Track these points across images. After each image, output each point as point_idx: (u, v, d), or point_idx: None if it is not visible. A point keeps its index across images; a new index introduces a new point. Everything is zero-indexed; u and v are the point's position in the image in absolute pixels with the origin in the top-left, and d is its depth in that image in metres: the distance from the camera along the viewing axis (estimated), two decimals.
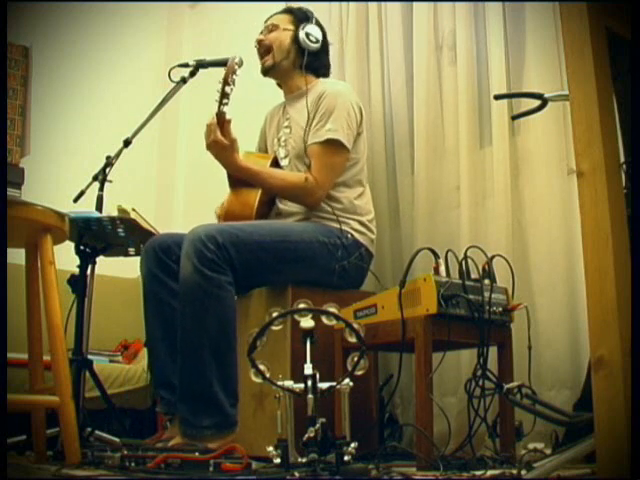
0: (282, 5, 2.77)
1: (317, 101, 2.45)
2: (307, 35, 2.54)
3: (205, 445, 1.97)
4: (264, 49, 2.57)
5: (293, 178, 2.41)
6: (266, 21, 2.64)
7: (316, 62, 2.58)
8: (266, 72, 2.60)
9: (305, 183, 2.35)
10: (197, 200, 3.84)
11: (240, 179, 2.48)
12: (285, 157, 2.54)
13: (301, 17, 2.59)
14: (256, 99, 2.94)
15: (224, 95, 2.23)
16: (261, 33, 2.60)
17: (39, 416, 1.92)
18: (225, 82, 2.23)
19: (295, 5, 2.68)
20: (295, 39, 2.54)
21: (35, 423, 1.91)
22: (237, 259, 2.16)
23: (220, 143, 2.26)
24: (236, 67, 2.24)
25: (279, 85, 2.68)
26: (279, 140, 2.60)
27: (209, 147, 2.30)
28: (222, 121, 2.26)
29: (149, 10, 4.30)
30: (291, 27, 2.57)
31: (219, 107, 2.24)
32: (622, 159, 1.16)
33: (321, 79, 2.60)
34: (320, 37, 2.58)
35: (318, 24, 2.61)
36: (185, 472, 1.61)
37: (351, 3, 3.05)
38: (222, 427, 2.05)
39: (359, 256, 2.40)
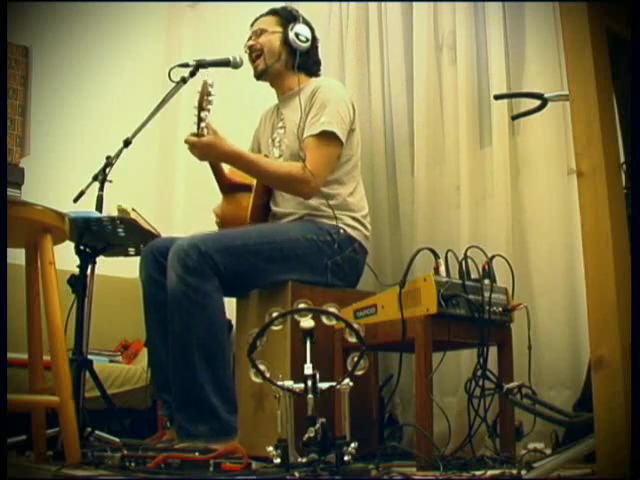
0: (280, 5, 2.76)
1: (311, 97, 2.45)
2: (297, 35, 2.53)
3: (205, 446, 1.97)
4: (255, 54, 2.57)
5: (289, 166, 2.39)
6: (252, 25, 2.63)
7: (308, 61, 2.59)
8: (259, 76, 2.59)
9: (301, 171, 2.33)
10: (197, 200, 3.84)
11: (232, 185, 2.49)
12: (279, 157, 2.54)
13: (287, 17, 2.58)
14: (251, 101, 2.95)
15: (200, 119, 2.21)
16: (250, 39, 2.60)
17: (39, 416, 1.92)
18: (200, 107, 2.21)
19: (279, 5, 2.66)
20: (285, 40, 2.54)
21: (35, 423, 1.91)
22: (222, 264, 2.16)
23: (204, 143, 2.23)
24: (210, 89, 2.21)
25: (272, 86, 2.67)
26: (273, 141, 2.60)
27: (202, 155, 2.29)
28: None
29: (149, 10, 4.30)
30: (279, 29, 2.56)
31: (197, 130, 2.22)
32: (622, 159, 1.16)
33: (313, 78, 2.60)
34: (309, 35, 2.57)
35: (305, 21, 2.60)
36: (185, 472, 1.61)
37: (351, 3, 3.05)
38: (218, 433, 2.04)
39: (352, 251, 2.38)
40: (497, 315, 1.95)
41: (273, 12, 2.62)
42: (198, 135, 2.22)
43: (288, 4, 2.67)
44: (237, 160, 2.34)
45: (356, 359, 1.57)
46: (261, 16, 2.63)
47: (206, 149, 2.25)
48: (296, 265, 2.30)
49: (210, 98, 2.21)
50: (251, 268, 2.25)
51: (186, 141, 2.25)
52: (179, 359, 2.10)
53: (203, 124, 2.21)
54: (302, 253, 2.31)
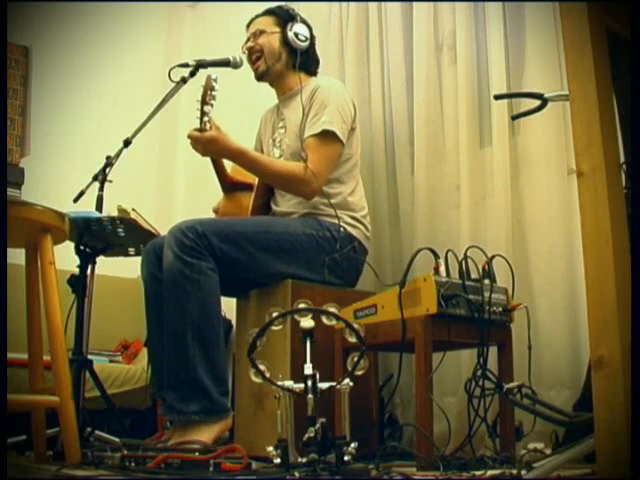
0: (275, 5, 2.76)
1: (311, 97, 2.45)
2: (296, 35, 2.53)
3: (197, 437, 1.97)
4: (255, 56, 2.56)
5: (291, 166, 2.39)
6: (248, 25, 2.63)
7: (308, 60, 2.59)
8: (260, 77, 2.59)
9: (303, 171, 2.33)
10: (197, 200, 3.84)
11: (233, 183, 2.49)
12: (280, 157, 2.54)
13: (285, 16, 2.57)
14: (251, 101, 2.95)
15: (204, 114, 2.21)
16: (248, 40, 2.59)
17: (39, 416, 1.92)
18: (203, 102, 2.20)
19: (275, 5, 2.65)
20: (284, 40, 2.54)
21: (35, 423, 1.91)
22: (218, 246, 2.17)
23: (208, 138, 2.22)
24: (213, 84, 2.21)
25: (272, 86, 2.67)
26: (274, 141, 2.61)
27: (205, 151, 2.28)
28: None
29: (149, 10, 4.30)
30: (277, 29, 2.55)
31: (200, 125, 2.21)
32: (622, 159, 1.16)
33: (313, 77, 2.60)
34: (308, 34, 2.57)
35: (302, 20, 2.59)
36: (185, 472, 1.61)
37: (351, 3, 3.04)
38: (209, 412, 2.05)
39: (352, 250, 2.37)
40: (497, 315, 1.95)
41: (270, 12, 2.61)
42: (201, 130, 2.22)
43: (285, 3, 2.66)
44: (239, 157, 2.34)
45: (356, 359, 1.57)
46: (257, 16, 2.62)
47: (209, 144, 2.25)
48: (293, 259, 2.29)
49: (214, 93, 2.20)
50: (247, 256, 2.24)
51: (189, 136, 2.25)
52: (172, 339, 2.11)
53: (206, 118, 2.21)
54: (300, 247, 2.31)
